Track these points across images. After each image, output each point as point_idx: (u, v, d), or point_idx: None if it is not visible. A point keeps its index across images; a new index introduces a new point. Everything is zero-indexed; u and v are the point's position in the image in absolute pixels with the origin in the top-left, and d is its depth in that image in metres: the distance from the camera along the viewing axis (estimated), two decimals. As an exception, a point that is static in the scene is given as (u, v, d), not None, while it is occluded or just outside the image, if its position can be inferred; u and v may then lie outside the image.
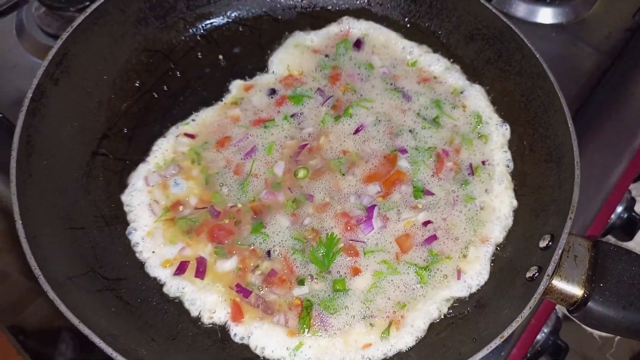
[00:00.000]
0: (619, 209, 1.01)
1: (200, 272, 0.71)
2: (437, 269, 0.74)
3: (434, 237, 0.76)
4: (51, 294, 0.59)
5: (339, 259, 0.74)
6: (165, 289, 0.72)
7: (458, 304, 0.72)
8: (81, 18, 0.78)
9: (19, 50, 1.04)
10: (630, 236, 1.08)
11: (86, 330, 0.57)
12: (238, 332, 0.70)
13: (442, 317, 0.71)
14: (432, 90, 0.89)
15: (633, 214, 1.03)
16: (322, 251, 0.73)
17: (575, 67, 1.08)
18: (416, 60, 0.92)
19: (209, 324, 0.71)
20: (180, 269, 0.72)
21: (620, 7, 1.17)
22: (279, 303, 0.70)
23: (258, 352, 0.69)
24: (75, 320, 0.57)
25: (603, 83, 1.04)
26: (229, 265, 0.72)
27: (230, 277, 0.72)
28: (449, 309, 0.71)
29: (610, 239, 1.14)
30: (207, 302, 0.70)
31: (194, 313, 0.71)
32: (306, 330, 0.69)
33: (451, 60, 0.92)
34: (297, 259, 0.73)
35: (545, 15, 1.14)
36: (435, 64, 0.92)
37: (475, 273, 0.74)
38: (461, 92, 0.89)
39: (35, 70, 1.01)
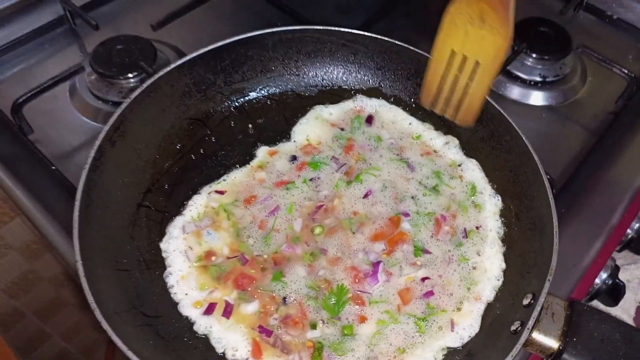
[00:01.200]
0: (604, 275, 1.10)
1: (227, 312, 0.81)
2: (434, 321, 0.83)
3: (431, 293, 0.86)
4: (105, 325, 0.69)
5: (348, 307, 0.84)
6: (195, 327, 0.81)
7: (451, 353, 0.81)
8: (138, 91, 0.92)
9: (70, 110, 1.19)
10: (615, 302, 1.16)
11: (134, 358, 0.67)
12: (257, 369, 0.79)
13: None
14: (433, 162, 1.02)
15: (617, 280, 1.12)
16: (333, 300, 0.83)
17: (564, 145, 1.20)
18: (420, 135, 1.06)
19: (231, 361, 0.80)
20: (209, 310, 0.82)
21: (605, 92, 1.30)
22: (294, 344, 0.80)
23: (275, 386, 0.78)
24: (124, 348, 0.67)
25: (589, 160, 1.15)
26: (251, 308, 0.83)
27: (253, 319, 0.82)
28: (443, 356, 0.81)
29: (599, 304, 1.22)
30: (231, 341, 0.80)
31: (219, 350, 0.80)
32: None
33: (450, 136, 1.05)
34: (310, 305, 0.84)
35: (537, 98, 1.28)
36: (436, 139, 1.05)
37: (467, 325, 0.83)
38: (459, 165, 1.01)
39: (84, 127, 1.17)
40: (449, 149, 1.03)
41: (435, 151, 1.03)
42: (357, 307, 0.84)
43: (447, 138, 1.05)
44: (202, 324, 0.81)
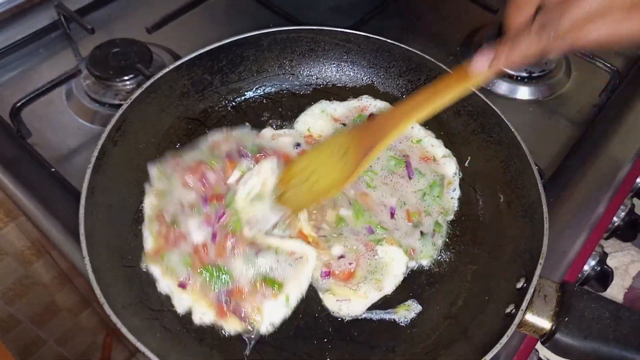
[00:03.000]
0: (592, 262, 1.14)
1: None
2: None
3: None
4: (114, 318, 0.71)
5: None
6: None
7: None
8: (139, 92, 0.95)
9: (67, 113, 1.20)
10: (604, 287, 1.20)
11: (143, 348, 0.69)
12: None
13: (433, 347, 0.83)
14: (433, 172, 1.03)
15: (605, 266, 1.16)
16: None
17: (551, 137, 1.23)
18: (420, 140, 1.08)
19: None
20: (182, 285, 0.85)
21: (589, 86, 1.34)
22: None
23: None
24: (134, 340, 0.70)
25: (575, 151, 1.18)
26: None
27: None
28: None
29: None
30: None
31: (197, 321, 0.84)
32: None
33: (442, 133, 1.08)
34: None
35: (524, 93, 1.32)
36: (437, 147, 1.07)
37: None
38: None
39: (81, 130, 1.19)
40: (448, 162, 1.05)
41: (434, 159, 1.05)
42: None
43: (446, 151, 1.06)
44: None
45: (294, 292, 0.86)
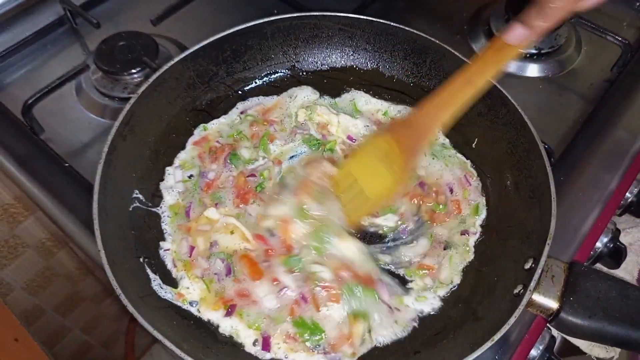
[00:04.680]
0: (605, 239, 1.13)
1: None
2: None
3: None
4: (130, 309, 0.74)
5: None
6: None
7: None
8: (145, 86, 0.96)
9: (77, 107, 1.21)
10: (617, 264, 1.20)
11: (160, 337, 0.71)
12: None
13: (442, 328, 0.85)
14: None
15: (618, 243, 1.15)
16: None
17: (561, 115, 1.22)
18: (386, 111, 1.10)
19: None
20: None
21: (600, 61, 1.32)
22: None
23: None
24: (150, 328, 0.72)
25: (586, 128, 1.16)
26: None
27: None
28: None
29: (603, 267, 1.25)
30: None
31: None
32: None
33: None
34: None
35: (533, 70, 1.30)
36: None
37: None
38: None
39: (92, 124, 1.20)
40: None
41: None
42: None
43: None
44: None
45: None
